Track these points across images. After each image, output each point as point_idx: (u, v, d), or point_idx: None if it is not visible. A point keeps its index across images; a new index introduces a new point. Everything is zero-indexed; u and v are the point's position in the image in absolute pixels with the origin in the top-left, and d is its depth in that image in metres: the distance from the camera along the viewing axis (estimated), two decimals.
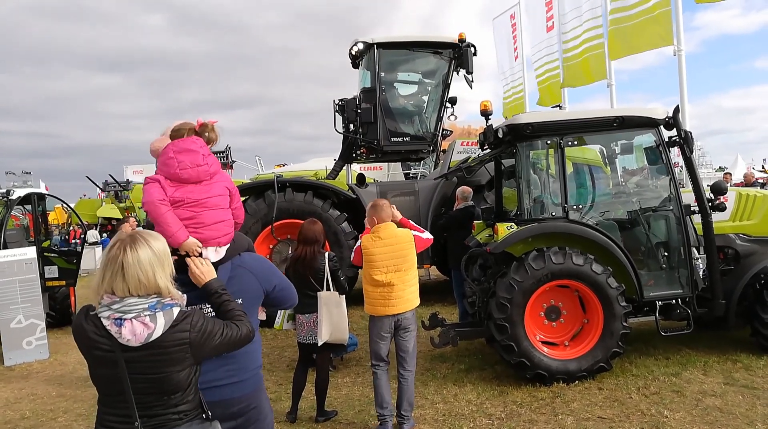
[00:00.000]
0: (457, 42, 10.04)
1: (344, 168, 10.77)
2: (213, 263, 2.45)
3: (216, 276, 2.42)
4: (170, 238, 2.34)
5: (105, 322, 2.03)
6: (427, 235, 4.85)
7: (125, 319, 2.01)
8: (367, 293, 4.66)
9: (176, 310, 2.11)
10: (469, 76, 10.14)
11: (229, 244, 2.55)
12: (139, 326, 2.01)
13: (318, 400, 5.09)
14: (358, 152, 10.46)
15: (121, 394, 2.07)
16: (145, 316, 2.03)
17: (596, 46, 12.23)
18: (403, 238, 4.64)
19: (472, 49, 10.02)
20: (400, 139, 10.26)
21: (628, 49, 10.88)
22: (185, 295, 2.22)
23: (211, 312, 2.38)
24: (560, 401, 5.17)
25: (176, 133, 2.53)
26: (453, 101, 10.52)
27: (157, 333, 2.04)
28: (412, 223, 4.93)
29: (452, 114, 10.61)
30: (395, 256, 4.56)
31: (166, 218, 2.40)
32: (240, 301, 2.44)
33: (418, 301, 4.75)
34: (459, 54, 10.08)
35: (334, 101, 10.37)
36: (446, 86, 10.40)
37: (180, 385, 2.12)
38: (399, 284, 4.55)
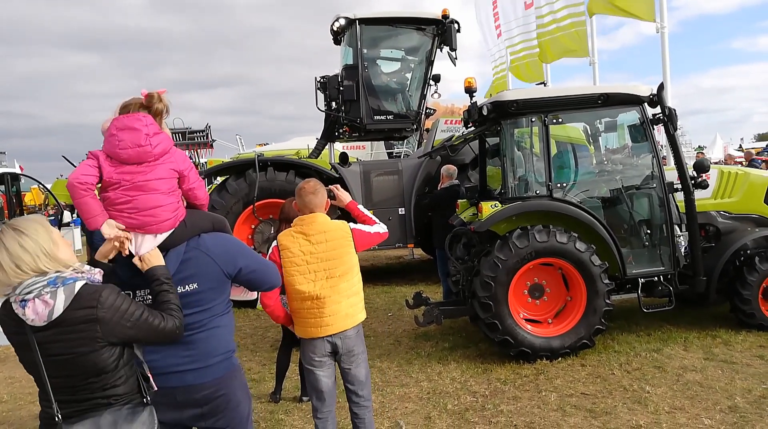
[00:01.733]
0: (440, 18, 9.90)
1: (327, 147, 10.65)
2: (166, 246, 2.36)
3: (163, 263, 2.33)
4: (87, 223, 2.29)
5: (14, 307, 2.00)
6: (377, 228, 3.64)
7: (28, 300, 1.98)
8: (292, 309, 3.47)
9: (79, 284, 2.03)
10: (453, 53, 10.02)
11: (172, 230, 2.40)
12: (40, 304, 1.97)
13: (302, 380, 5.05)
14: (341, 131, 10.34)
15: (40, 377, 2.05)
16: (46, 293, 1.98)
17: (579, 23, 12.14)
18: (335, 233, 3.42)
19: (456, 25, 9.90)
20: (383, 118, 10.15)
21: (608, 9, 10.69)
22: (101, 269, 2.16)
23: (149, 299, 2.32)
24: (544, 378, 5.20)
25: (124, 110, 2.39)
26: (436, 79, 10.41)
27: (58, 309, 1.98)
28: (363, 210, 3.75)
29: (436, 92, 10.52)
30: (326, 258, 3.35)
31: (85, 202, 2.28)
32: (195, 285, 2.35)
33: (363, 315, 3.57)
34: (442, 30, 9.95)
35: (315, 79, 10.19)
36: (429, 63, 10.28)
37: (102, 367, 2.05)
38: (333, 295, 3.36)
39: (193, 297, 2.37)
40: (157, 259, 2.31)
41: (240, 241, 2.66)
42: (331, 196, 3.66)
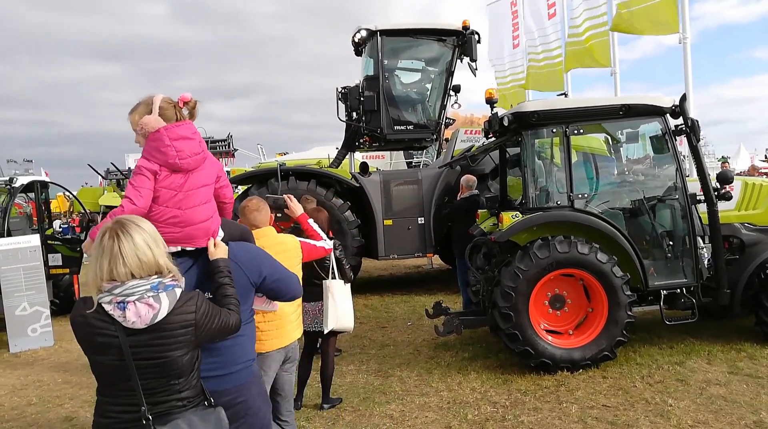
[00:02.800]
0: (460, 29, 9.97)
1: (347, 156, 10.74)
2: (194, 252, 2.41)
3: (227, 256, 2.39)
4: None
5: (107, 308, 2.01)
6: (322, 244, 3.86)
7: (128, 302, 2.00)
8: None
9: (179, 291, 2.11)
10: (473, 64, 10.09)
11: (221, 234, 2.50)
12: (144, 307, 2.00)
13: (323, 387, 5.11)
14: (361, 141, 10.43)
15: (124, 381, 2.05)
16: (149, 297, 2.02)
17: (601, 33, 12.13)
18: (288, 245, 3.63)
19: (476, 36, 9.96)
20: (403, 128, 10.23)
21: (632, 29, 10.72)
22: (184, 276, 2.21)
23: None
24: (564, 389, 5.18)
25: (163, 112, 2.42)
26: (456, 89, 10.47)
27: (162, 313, 2.03)
28: (312, 224, 3.95)
29: (456, 102, 10.57)
30: None
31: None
32: None
33: (302, 326, 3.90)
34: (463, 41, 10.02)
35: (337, 89, 10.32)
36: (450, 74, 10.36)
37: (184, 369, 2.11)
38: (289, 306, 3.54)
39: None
40: (223, 251, 2.39)
41: (264, 250, 2.72)
42: (284, 205, 3.78)
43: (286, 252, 3.54)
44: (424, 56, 10.66)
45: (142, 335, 2.03)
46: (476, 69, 10.22)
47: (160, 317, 2.03)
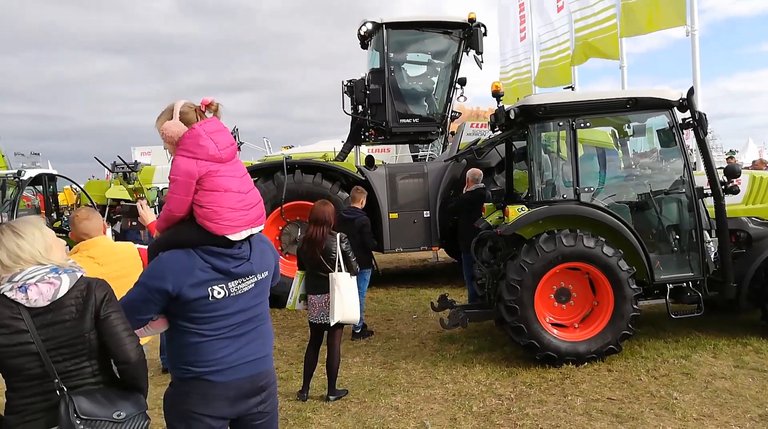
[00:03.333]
0: (466, 22, 9.93)
1: (353, 150, 10.74)
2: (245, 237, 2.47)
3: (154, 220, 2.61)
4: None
5: (9, 294, 2.10)
6: None
7: (30, 285, 2.11)
8: None
9: (78, 274, 2.24)
10: (479, 57, 10.04)
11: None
12: (45, 286, 2.13)
13: (329, 379, 5.14)
14: (367, 134, 10.43)
15: (35, 368, 2.10)
16: (49, 277, 2.15)
17: (610, 27, 12.06)
18: (124, 254, 3.53)
19: (482, 29, 9.91)
20: (408, 121, 10.21)
21: (640, 28, 10.71)
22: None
23: None
24: (570, 382, 5.20)
25: (185, 116, 2.46)
26: (462, 82, 10.43)
27: (63, 290, 2.15)
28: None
29: (462, 95, 10.53)
30: (117, 276, 3.15)
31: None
32: (267, 272, 2.53)
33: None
34: (469, 34, 9.97)
35: (342, 82, 10.31)
36: (456, 67, 10.31)
37: (94, 348, 2.21)
38: None
39: (265, 284, 2.55)
40: (152, 216, 2.74)
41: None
42: (135, 213, 3.77)
43: (121, 261, 3.50)
44: (430, 49, 10.61)
45: (46, 314, 2.13)
46: (482, 62, 10.18)
47: (61, 293, 2.15)
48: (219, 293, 2.34)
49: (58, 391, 2.11)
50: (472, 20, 9.87)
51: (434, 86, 10.62)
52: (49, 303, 2.12)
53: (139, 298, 2.33)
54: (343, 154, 10.63)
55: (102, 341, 2.22)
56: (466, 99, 10.97)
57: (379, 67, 10.11)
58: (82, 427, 2.08)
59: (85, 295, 2.20)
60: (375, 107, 10.07)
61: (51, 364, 2.11)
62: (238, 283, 2.40)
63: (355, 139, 10.57)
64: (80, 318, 2.17)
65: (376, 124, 10.10)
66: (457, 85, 10.40)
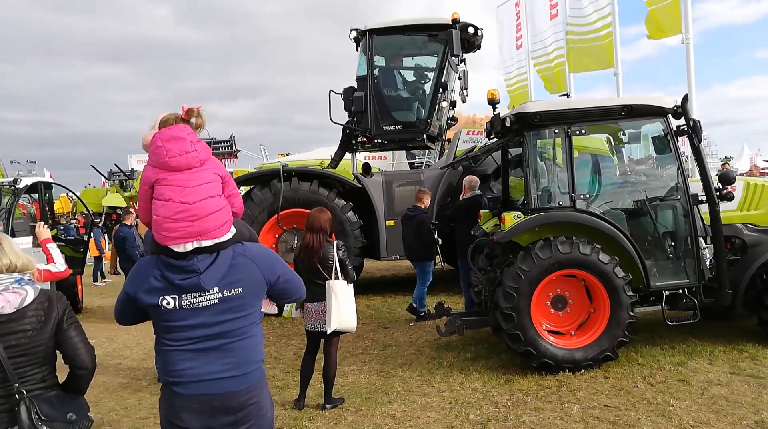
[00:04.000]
0: (450, 23, 9.67)
1: (350, 157, 10.74)
2: (213, 248, 2.38)
3: (49, 237, 2.85)
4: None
5: None
6: (57, 267, 3.92)
7: None
8: None
9: (39, 286, 2.49)
10: (455, 59, 9.76)
11: (231, 233, 2.45)
12: (11, 294, 2.36)
13: (325, 387, 5.13)
14: (358, 141, 10.39)
15: None
16: (14, 288, 2.38)
17: (606, 35, 12.15)
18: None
19: (458, 30, 9.49)
20: (392, 128, 10.04)
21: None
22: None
23: None
24: (566, 390, 5.20)
25: (164, 124, 2.48)
26: (444, 86, 10.23)
27: (29, 299, 2.39)
28: (49, 248, 4.06)
29: (463, 89, 10.39)
30: None
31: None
32: (240, 289, 2.37)
33: None
34: (450, 36, 9.81)
35: (330, 91, 10.27)
36: (441, 70, 10.11)
37: (48, 357, 2.44)
38: None
39: (237, 301, 2.39)
40: (47, 233, 3.05)
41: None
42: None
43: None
44: (415, 53, 10.56)
45: (8, 323, 2.33)
46: (458, 65, 10.02)
47: (27, 302, 2.38)
48: (168, 303, 2.30)
49: (17, 395, 2.32)
50: (455, 21, 9.65)
51: (418, 91, 10.53)
52: (14, 311, 2.33)
53: (120, 297, 2.49)
54: (335, 163, 10.51)
55: (61, 350, 2.46)
56: (465, 101, 10.89)
57: (364, 74, 10.08)
58: (44, 428, 2.33)
59: (46, 307, 2.43)
60: (360, 115, 10.03)
61: (12, 370, 2.30)
62: (194, 297, 2.32)
63: (345, 147, 10.50)
64: (41, 328, 2.39)
65: (360, 132, 10.06)
66: (441, 89, 10.14)
